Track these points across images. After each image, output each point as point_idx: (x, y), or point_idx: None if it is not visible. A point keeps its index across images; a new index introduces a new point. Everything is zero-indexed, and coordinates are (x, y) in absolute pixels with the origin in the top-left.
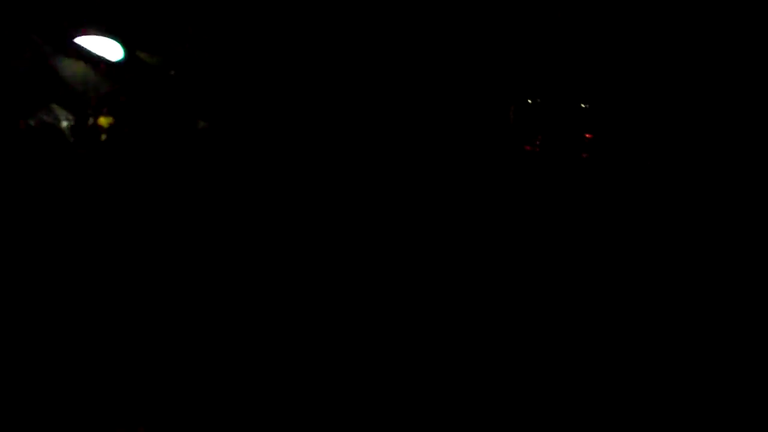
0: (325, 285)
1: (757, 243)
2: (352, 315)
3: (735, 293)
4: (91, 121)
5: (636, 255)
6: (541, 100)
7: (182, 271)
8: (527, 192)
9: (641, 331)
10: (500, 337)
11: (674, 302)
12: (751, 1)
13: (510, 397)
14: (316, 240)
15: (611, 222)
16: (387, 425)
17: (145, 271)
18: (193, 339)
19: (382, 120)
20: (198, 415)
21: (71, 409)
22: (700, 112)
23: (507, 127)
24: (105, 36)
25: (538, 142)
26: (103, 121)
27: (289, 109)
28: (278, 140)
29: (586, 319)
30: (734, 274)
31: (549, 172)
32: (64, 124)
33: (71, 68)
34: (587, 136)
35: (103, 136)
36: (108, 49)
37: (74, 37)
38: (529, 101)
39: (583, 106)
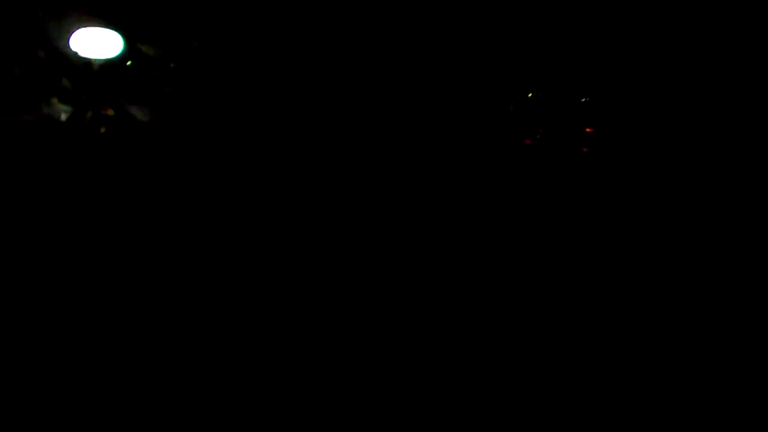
0: (323, 276)
1: (760, 237)
2: (350, 308)
3: (738, 289)
4: (90, 114)
5: (637, 249)
6: (542, 94)
7: (182, 271)
8: (527, 186)
9: (644, 327)
10: (500, 332)
11: (677, 298)
12: None
13: (510, 397)
14: (313, 228)
15: (612, 216)
16: (387, 425)
17: (145, 271)
18: (194, 339)
19: (381, 113)
20: (198, 415)
21: (71, 410)
22: (701, 106)
23: (507, 121)
24: (105, 28)
25: (538, 136)
26: (104, 113)
27: (287, 93)
28: (277, 128)
29: (589, 314)
30: (737, 269)
31: (549, 166)
32: (63, 117)
33: (71, 61)
34: (588, 130)
35: (103, 129)
36: (108, 41)
37: (74, 29)
38: (530, 95)
39: (583, 99)
